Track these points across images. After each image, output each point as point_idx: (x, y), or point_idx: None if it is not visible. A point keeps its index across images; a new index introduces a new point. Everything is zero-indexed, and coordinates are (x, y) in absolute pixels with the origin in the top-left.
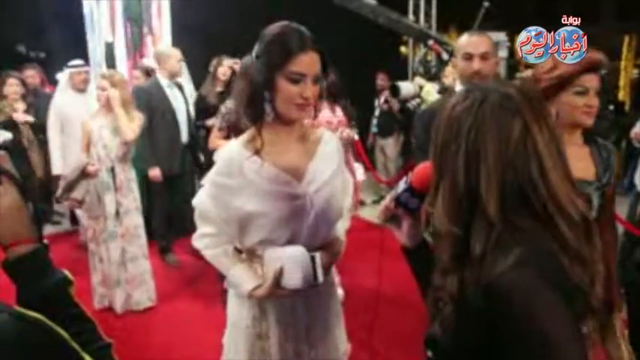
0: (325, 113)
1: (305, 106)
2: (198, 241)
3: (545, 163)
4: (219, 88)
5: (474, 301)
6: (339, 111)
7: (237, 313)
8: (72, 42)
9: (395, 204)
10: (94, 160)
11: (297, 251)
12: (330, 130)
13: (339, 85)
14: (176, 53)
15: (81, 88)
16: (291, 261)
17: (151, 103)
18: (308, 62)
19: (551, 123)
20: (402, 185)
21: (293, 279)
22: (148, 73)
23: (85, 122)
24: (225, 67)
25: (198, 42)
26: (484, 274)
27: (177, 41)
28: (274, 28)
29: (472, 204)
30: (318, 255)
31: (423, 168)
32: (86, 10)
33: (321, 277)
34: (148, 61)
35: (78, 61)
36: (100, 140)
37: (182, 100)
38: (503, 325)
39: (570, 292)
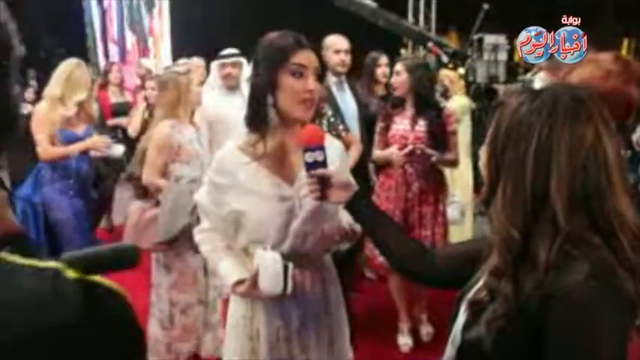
0: (402, 126)
1: (309, 103)
2: (196, 236)
3: (613, 173)
4: (380, 93)
5: (530, 306)
6: (422, 125)
7: (232, 310)
8: (71, 43)
9: (309, 173)
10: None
11: (271, 257)
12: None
13: (426, 91)
14: (334, 42)
15: (231, 84)
16: (263, 265)
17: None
18: (307, 56)
19: (615, 131)
20: (306, 159)
21: (264, 283)
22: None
23: (167, 134)
24: (384, 65)
25: (198, 41)
26: (548, 282)
27: (176, 40)
28: (269, 35)
29: (537, 207)
30: (291, 265)
31: (307, 129)
32: (85, 11)
33: (290, 288)
34: (147, 62)
35: (231, 50)
36: (197, 158)
37: (354, 106)
38: (558, 333)
39: (626, 305)
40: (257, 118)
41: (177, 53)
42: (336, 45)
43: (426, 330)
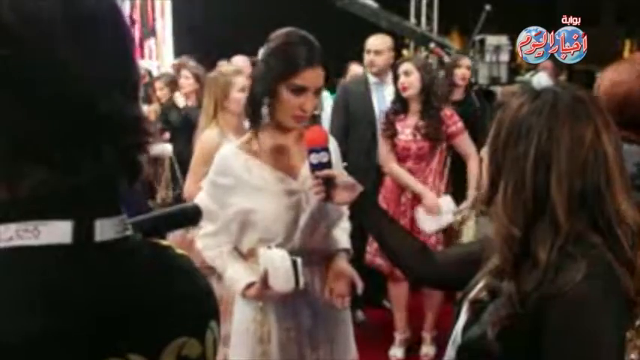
0: (403, 136)
1: (302, 118)
2: (199, 241)
3: (613, 173)
4: (458, 97)
5: (530, 306)
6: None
7: (240, 316)
8: None
9: (314, 174)
10: None
11: (279, 254)
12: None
13: (436, 90)
14: (368, 42)
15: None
16: (272, 264)
17: (350, 104)
18: (313, 77)
19: (615, 131)
20: (311, 160)
21: (275, 282)
22: (151, 76)
23: (213, 142)
24: (464, 67)
25: (200, 42)
26: (548, 282)
27: (178, 42)
28: (283, 35)
29: (537, 207)
30: (299, 260)
31: (311, 130)
32: None
33: (302, 282)
34: (146, 63)
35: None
36: None
37: None
38: (556, 333)
39: (624, 304)
40: (253, 115)
41: (179, 55)
42: (367, 45)
43: (427, 350)
